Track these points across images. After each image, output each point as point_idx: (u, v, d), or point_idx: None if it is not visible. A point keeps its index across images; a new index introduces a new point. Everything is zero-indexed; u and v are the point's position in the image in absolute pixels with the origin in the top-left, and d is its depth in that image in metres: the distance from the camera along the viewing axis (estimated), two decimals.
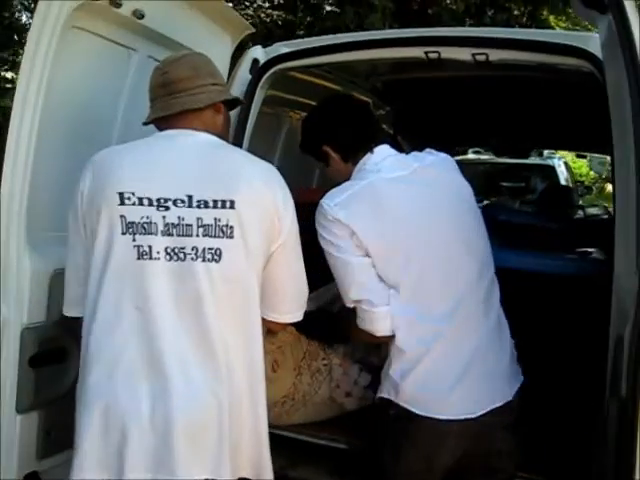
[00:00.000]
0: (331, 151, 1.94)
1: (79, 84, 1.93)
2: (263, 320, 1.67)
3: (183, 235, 1.56)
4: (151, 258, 1.55)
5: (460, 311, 1.80)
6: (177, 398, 1.50)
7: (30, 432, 1.87)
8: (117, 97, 2.08)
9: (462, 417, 1.75)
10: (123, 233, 1.56)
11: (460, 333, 1.79)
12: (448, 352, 1.77)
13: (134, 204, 1.56)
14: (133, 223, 1.56)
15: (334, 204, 1.78)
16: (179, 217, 1.56)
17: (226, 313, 1.58)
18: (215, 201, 1.57)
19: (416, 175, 1.86)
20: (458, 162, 2.05)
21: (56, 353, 1.90)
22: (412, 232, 1.80)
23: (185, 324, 1.54)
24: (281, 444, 2.51)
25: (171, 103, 1.68)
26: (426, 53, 2.38)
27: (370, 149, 1.90)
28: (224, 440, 1.55)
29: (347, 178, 1.92)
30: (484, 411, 1.77)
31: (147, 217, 1.56)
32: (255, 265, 1.61)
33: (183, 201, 1.57)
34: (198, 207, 1.57)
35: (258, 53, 2.65)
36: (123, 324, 1.54)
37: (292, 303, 1.76)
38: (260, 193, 1.61)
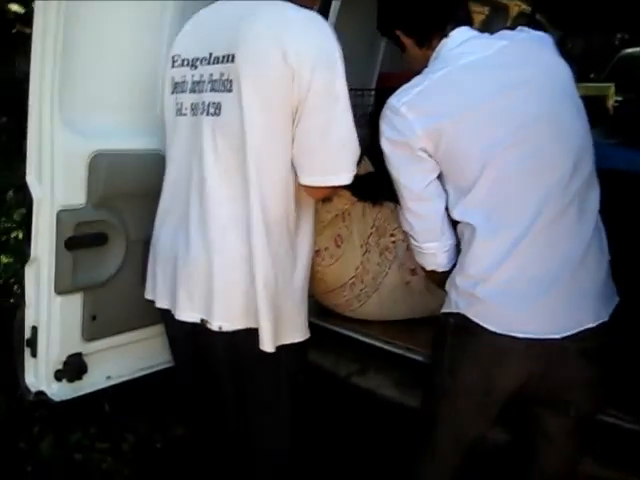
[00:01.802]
0: (403, 35, 1.73)
1: None
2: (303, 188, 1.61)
3: (200, 91, 1.63)
4: (181, 114, 1.68)
5: (546, 215, 1.53)
6: (182, 247, 1.65)
7: (73, 314, 1.86)
8: None
9: (533, 336, 1.52)
10: (171, 93, 1.72)
11: (545, 241, 1.53)
12: (528, 263, 1.53)
13: (178, 65, 1.69)
14: (177, 83, 1.69)
15: (402, 103, 1.58)
16: (201, 74, 1.63)
17: (227, 167, 1.58)
18: (223, 56, 1.57)
19: (500, 56, 1.60)
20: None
21: (97, 237, 1.85)
22: (491, 124, 1.54)
23: (194, 179, 1.63)
24: (354, 348, 2.40)
25: None
26: None
27: (445, 33, 1.65)
28: (214, 285, 1.60)
29: (425, 65, 1.69)
30: (562, 334, 1.52)
31: (183, 76, 1.68)
32: (257, 121, 1.53)
33: (205, 59, 1.62)
34: (213, 63, 1.60)
35: None
36: (179, 181, 1.69)
37: (322, 165, 1.59)
38: (263, 46, 1.51)
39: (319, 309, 2.52)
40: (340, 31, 2.37)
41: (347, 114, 1.57)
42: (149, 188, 1.81)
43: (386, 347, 2.33)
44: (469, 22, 1.72)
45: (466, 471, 1.78)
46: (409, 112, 1.56)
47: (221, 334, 1.61)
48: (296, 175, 1.61)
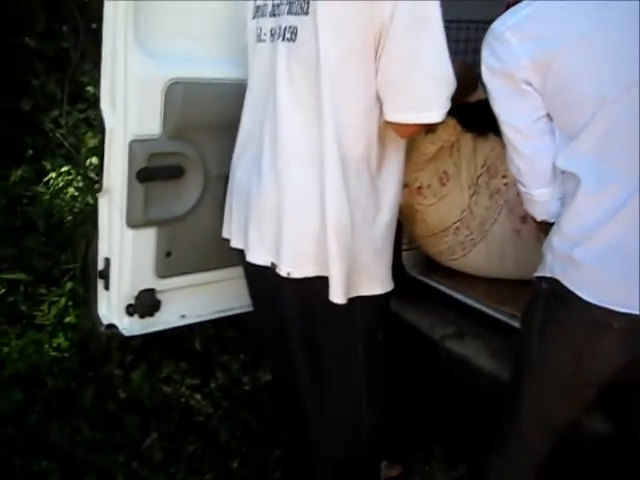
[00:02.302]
0: None
1: None
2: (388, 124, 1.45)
3: (279, 14, 1.47)
4: (261, 40, 1.54)
5: None
6: (254, 184, 1.54)
7: (146, 249, 1.79)
8: None
9: (635, 312, 1.28)
10: (253, 18, 1.57)
11: None
12: (636, 225, 1.28)
13: None
14: (258, 7, 1.55)
15: (506, 27, 1.37)
16: None
17: (301, 97, 1.44)
18: None
19: None
20: None
21: (172, 170, 1.75)
22: (613, 58, 1.30)
23: (269, 110, 1.50)
24: (453, 307, 2.20)
25: None
26: None
27: None
28: (284, 227, 1.47)
29: None
30: None
31: (264, 0, 1.52)
32: (334, 46, 1.36)
33: None
34: None
35: None
36: (256, 113, 1.57)
37: (409, 100, 1.41)
38: None
39: (417, 258, 2.33)
40: None
41: (439, 40, 1.36)
42: (231, 120, 1.68)
43: (488, 311, 2.11)
44: None
45: (557, 464, 1.56)
46: (513, 36, 1.35)
47: (291, 280, 1.49)
48: (380, 112, 1.43)
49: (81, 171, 3.28)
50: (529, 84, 1.36)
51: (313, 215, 1.46)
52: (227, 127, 1.70)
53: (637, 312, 1.28)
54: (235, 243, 1.64)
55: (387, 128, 1.46)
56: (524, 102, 1.39)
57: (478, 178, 2.10)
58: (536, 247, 2.05)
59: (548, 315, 1.43)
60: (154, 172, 1.71)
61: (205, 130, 1.77)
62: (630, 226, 1.29)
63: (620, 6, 1.31)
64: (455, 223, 2.11)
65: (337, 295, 1.46)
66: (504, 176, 2.10)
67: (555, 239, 1.41)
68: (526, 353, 1.49)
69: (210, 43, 1.74)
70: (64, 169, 3.34)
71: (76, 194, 3.27)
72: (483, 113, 1.71)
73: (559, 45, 1.32)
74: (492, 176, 2.11)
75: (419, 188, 2.02)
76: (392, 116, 1.42)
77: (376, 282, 1.55)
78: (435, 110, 1.40)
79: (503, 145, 2.07)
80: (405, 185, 1.87)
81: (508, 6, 2.40)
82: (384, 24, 1.33)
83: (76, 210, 3.18)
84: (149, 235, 1.78)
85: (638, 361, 1.33)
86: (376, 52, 1.37)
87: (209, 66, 1.73)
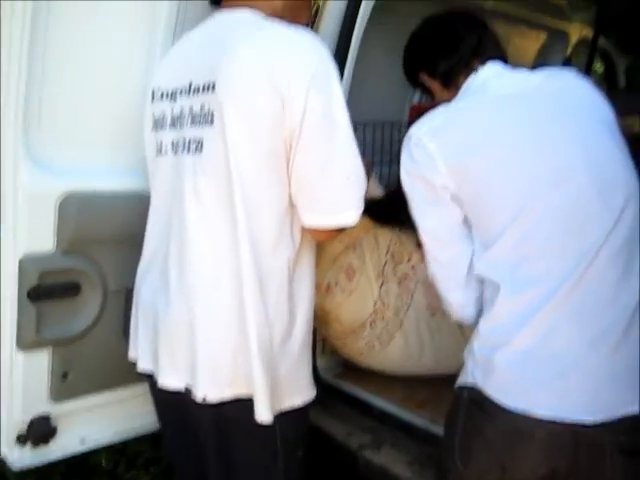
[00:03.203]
0: (428, 77, 1.60)
1: None
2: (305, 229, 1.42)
3: (181, 126, 1.42)
4: (162, 154, 1.48)
5: (582, 273, 1.29)
6: (162, 305, 1.45)
7: (39, 372, 1.67)
8: None
9: (556, 416, 1.26)
10: (151, 130, 1.52)
11: (579, 304, 1.29)
12: (556, 329, 1.29)
13: (158, 100, 1.51)
14: (157, 119, 1.50)
15: (423, 132, 1.40)
16: (181, 107, 1.43)
17: (210, 213, 1.37)
18: (204, 85, 1.36)
19: (537, 90, 1.43)
20: None
21: (67, 288, 1.65)
22: (527, 164, 1.34)
23: (175, 227, 1.43)
24: (370, 414, 2.14)
25: None
26: None
27: (473, 68, 1.50)
28: (198, 350, 1.38)
29: None
30: (595, 419, 1.26)
31: (163, 111, 1.49)
32: (245, 158, 1.32)
33: (185, 89, 1.42)
34: (193, 94, 1.39)
35: None
36: (161, 229, 1.50)
37: (325, 203, 1.38)
38: (246, 70, 1.30)
39: (331, 361, 2.28)
40: (367, 58, 2.18)
41: (349, 141, 1.36)
42: (131, 233, 1.61)
43: (407, 417, 2.06)
44: (501, 55, 1.54)
45: None
46: (431, 142, 1.37)
47: (207, 404, 1.39)
48: (296, 217, 1.40)
49: None
50: (447, 190, 1.36)
51: (230, 334, 1.38)
52: (127, 240, 1.64)
53: (557, 416, 1.25)
54: (143, 366, 1.54)
55: (301, 233, 1.43)
56: (442, 208, 1.39)
57: (384, 267, 2.09)
58: (455, 330, 2.06)
59: (470, 425, 1.39)
60: (47, 290, 1.60)
61: (103, 244, 1.69)
62: (546, 330, 1.29)
63: (531, 115, 1.37)
64: (369, 317, 2.08)
65: (263, 414, 1.38)
66: (409, 259, 2.10)
67: (476, 345, 1.39)
68: (448, 465, 1.43)
69: (108, 153, 1.69)
70: None
71: None
72: (380, 205, 1.72)
73: (475, 152, 1.34)
74: (398, 262, 2.11)
75: (327, 287, 1.98)
76: (310, 221, 1.39)
77: (297, 393, 1.49)
78: (351, 211, 1.38)
79: (404, 229, 2.11)
80: None
81: (414, 109, 2.50)
82: (294, 129, 1.31)
83: None
84: (43, 356, 1.66)
85: (558, 473, 1.30)
86: (287, 159, 1.35)
87: (107, 177, 1.68)
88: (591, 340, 1.28)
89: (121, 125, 1.70)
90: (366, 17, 2.12)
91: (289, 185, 1.36)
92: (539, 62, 3.41)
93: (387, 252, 2.08)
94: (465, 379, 1.40)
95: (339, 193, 1.36)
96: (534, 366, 1.29)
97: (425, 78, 1.60)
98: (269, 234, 1.38)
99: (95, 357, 1.73)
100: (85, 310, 1.70)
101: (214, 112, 1.33)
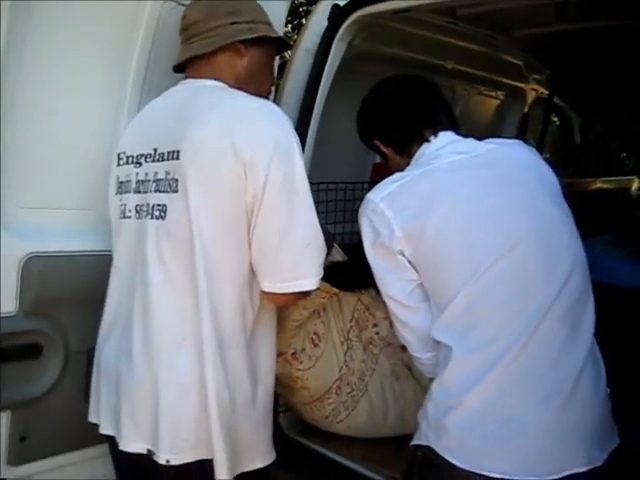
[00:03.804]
0: (381, 144, 1.65)
1: (65, 33, 1.60)
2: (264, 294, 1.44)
3: (146, 192, 1.45)
4: (125, 217, 1.50)
5: (530, 336, 1.33)
6: (125, 368, 1.44)
7: None
8: (127, 47, 1.73)
9: (506, 477, 1.28)
10: (116, 193, 1.55)
11: (527, 366, 1.33)
12: (505, 390, 1.33)
13: (123, 164, 1.53)
14: (122, 183, 1.53)
15: (380, 198, 1.45)
16: (146, 173, 1.46)
17: (173, 278, 1.39)
18: (169, 152, 1.40)
19: (487, 158, 1.49)
20: None
21: (28, 350, 1.63)
22: (477, 230, 1.39)
23: (138, 290, 1.44)
24: (334, 471, 2.13)
25: (183, 50, 1.56)
26: None
27: (426, 139, 1.56)
28: (161, 413, 1.38)
29: None
30: (553, 477, 1.29)
31: (128, 175, 1.51)
32: (207, 225, 1.35)
33: (150, 155, 1.46)
34: (158, 160, 1.43)
35: None
36: (123, 291, 1.50)
37: (285, 269, 1.40)
38: (210, 140, 1.35)
39: (294, 418, 2.27)
40: (330, 120, 2.24)
41: (310, 210, 1.40)
42: (94, 293, 1.60)
43: (369, 474, 2.05)
44: (454, 124, 1.60)
45: None
46: (388, 208, 1.42)
47: (169, 467, 1.38)
48: (255, 282, 1.42)
49: None
50: (403, 255, 1.41)
51: (192, 398, 1.39)
52: (90, 300, 1.62)
53: (509, 477, 1.28)
54: (104, 429, 1.52)
55: (262, 298, 1.45)
56: (402, 274, 1.44)
57: (349, 333, 2.11)
58: (418, 393, 2.08)
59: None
60: (7, 353, 1.57)
61: (66, 304, 1.68)
62: (496, 392, 1.32)
63: (481, 183, 1.42)
64: (335, 382, 2.10)
65: (222, 474, 1.38)
66: (375, 325, 2.13)
67: (429, 407, 1.41)
68: None
69: (72, 214, 1.70)
70: None
71: None
72: (343, 270, 1.75)
73: (429, 217, 1.38)
74: (362, 328, 2.14)
75: (294, 354, 2.00)
76: (268, 286, 1.41)
77: (257, 457, 1.49)
78: (310, 278, 1.41)
79: (369, 295, 2.14)
80: (280, 354, 1.86)
81: (376, 167, 2.55)
82: (256, 195, 1.34)
83: None
84: (0, 420, 1.62)
85: None
86: (249, 225, 1.38)
87: (70, 238, 1.68)
88: (539, 401, 1.32)
89: (84, 187, 1.72)
90: (331, 76, 2.18)
91: (249, 252, 1.39)
92: (498, 118, 3.53)
93: (351, 318, 2.11)
94: (419, 439, 1.43)
95: (298, 260, 1.39)
96: (484, 428, 1.32)
97: (379, 144, 1.65)
98: (230, 299, 1.40)
99: (55, 420, 1.71)
100: (46, 372, 1.67)
101: (178, 179, 1.37)
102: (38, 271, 1.60)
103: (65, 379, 1.71)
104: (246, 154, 1.32)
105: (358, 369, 2.13)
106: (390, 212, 1.42)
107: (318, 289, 1.83)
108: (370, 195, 1.48)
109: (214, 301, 1.37)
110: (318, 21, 2.17)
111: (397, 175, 1.50)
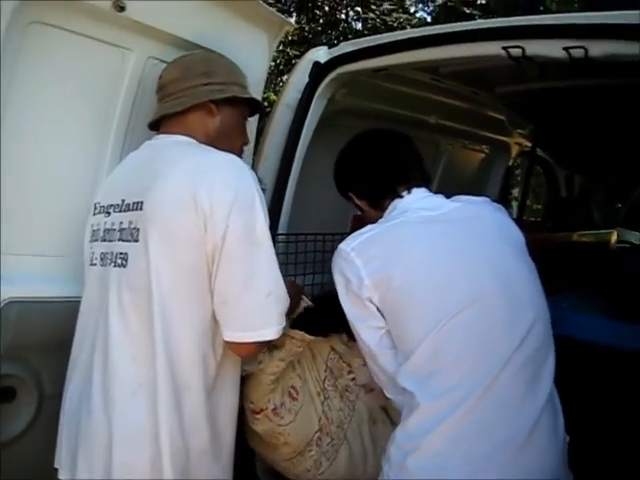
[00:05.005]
0: (356, 198, 1.73)
1: (49, 86, 1.67)
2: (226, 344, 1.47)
3: (111, 240, 1.52)
4: (92, 264, 1.56)
5: (490, 384, 1.39)
6: (85, 413, 1.47)
7: None
8: (110, 101, 1.80)
9: None
10: (89, 241, 1.61)
11: (487, 412, 1.38)
12: (462, 435, 1.38)
13: (97, 213, 1.60)
14: (94, 231, 1.59)
15: (350, 248, 1.53)
16: (112, 222, 1.52)
17: (132, 326, 1.43)
18: (134, 203, 1.47)
19: (455, 214, 1.56)
20: None
21: (2, 393, 1.66)
22: (441, 283, 1.45)
23: (99, 336, 1.47)
24: None
25: (158, 108, 1.64)
26: (505, 49, 1.83)
27: (399, 195, 1.63)
28: (114, 458, 1.40)
29: None
30: None
31: (98, 224, 1.58)
32: (165, 275, 1.39)
33: (118, 205, 1.52)
34: (124, 210, 1.50)
35: (320, 54, 2.27)
36: (85, 337, 1.53)
37: (246, 319, 1.43)
38: (171, 192, 1.41)
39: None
40: (311, 172, 2.30)
41: (271, 261, 1.45)
42: (68, 339, 1.63)
43: None
44: (426, 179, 1.68)
45: None
46: (358, 257, 1.49)
47: None
48: (218, 331, 1.45)
49: None
50: (372, 302, 1.46)
51: (144, 444, 1.41)
52: (63, 345, 1.65)
53: None
54: (63, 475, 1.54)
55: (224, 348, 1.48)
56: (370, 321, 1.50)
57: (324, 382, 2.11)
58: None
59: None
60: None
61: (41, 349, 1.71)
62: (455, 436, 1.37)
63: (447, 238, 1.49)
64: (316, 433, 2.08)
65: None
66: (350, 372, 2.15)
67: (392, 450, 1.46)
68: None
69: (50, 261, 1.74)
70: None
71: None
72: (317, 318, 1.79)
73: (396, 268, 1.45)
74: (337, 377, 2.14)
75: (274, 410, 1.99)
76: (229, 336, 1.44)
77: None
78: (271, 327, 1.44)
79: (341, 341, 2.17)
80: (260, 410, 1.90)
81: (355, 218, 2.60)
82: (216, 245, 1.38)
83: None
84: None
85: None
86: (210, 275, 1.41)
87: (48, 285, 1.71)
88: (496, 445, 1.36)
89: (61, 235, 1.76)
90: (311, 130, 2.26)
91: (211, 301, 1.43)
92: (483, 171, 3.61)
93: (326, 368, 2.11)
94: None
95: (259, 310, 1.43)
96: (444, 469, 1.36)
97: (353, 197, 1.72)
98: (187, 350, 1.43)
99: (26, 463, 1.72)
100: (19, 415, 1.70)
101: (139, 229, 1.43)
102: (15, 316, 1.63)
103: (37, 422, 1.73)
104: (206, 205, 1.37)
105: (336, 418, 2.13)
106: (359, 261, 1.48)
107: (293, 338, 1.89)
108: (342, 245, 1.55)
109: (170, 349, 1.41)
110: (299, 77, 2.25)
111: (368, 227, 1.57)
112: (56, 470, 1.57)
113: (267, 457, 2.13)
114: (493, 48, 1.86)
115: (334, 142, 2.40)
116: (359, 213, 2.55)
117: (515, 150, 3.56)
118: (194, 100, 1.58)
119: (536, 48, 1.81)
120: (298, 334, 1.96)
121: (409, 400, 1.44)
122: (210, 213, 1.37)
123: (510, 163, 3.59)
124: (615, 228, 3.18)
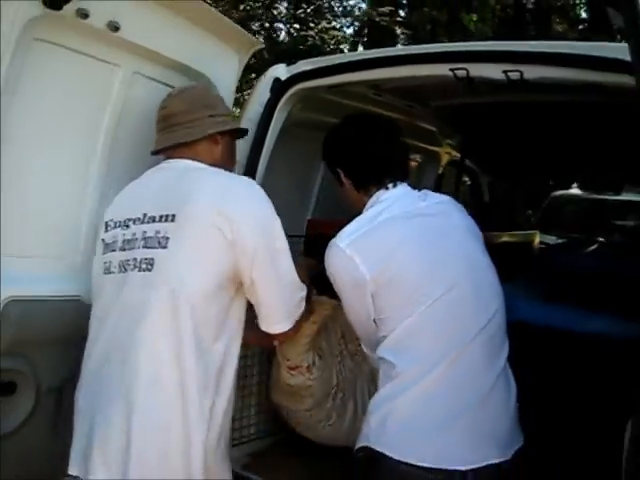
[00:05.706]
0: (343, 175, 1.85)
1: (47, 100, 1.80)
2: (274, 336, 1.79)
3: (132, 248, 1.66)
4: (110, 272, 1.69)
5: (458, 355, 1.62)
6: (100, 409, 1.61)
7: None
8: (98, 113, 1.94)
9: (431, 465, 1.54)
10: (102, 254, 1.75)
11: (454, 377, 1.61)
12: (436, 396, 1.60)
13: (111, 229, 1.74)
14: (108, 244, 1.73)
15: (346, 244, 1.68)
16: (133, 233, 1.68)
17: (158, 325, 1.58)
18: (161, 216, 1.64)
19: (428, 210, 1.77)
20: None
21: (3, 388, 1.76)
22: (420, 272, 1.66)
23: (122, 334, 1.61)
24: None
25: (167, 137, 1.81)
26: (452, 70, 2.09)
27: (385, 185, 1.78)
28: (131, 462, 1.53)
29: (358, 208, 1.82)
30: (469, 467, 1.56)
31: (114, 237, 1.72)
32: (192, 277, 1.60)
33: (139, 219, 1.68)
34: (148, 222, 1.66)
35: (280, 72, 2.46)
36: (103, 341, 1.66)
37: (276, 314, 1.74)
38: (202, 207, 1.63)
39: (240, 452, 2.46)
40: (271, 179, 2.48)
41: (288, 257, 1.74)
42: (66, 335, 1.79)
43: None
44: (407, 176, 1.85)
45: None
46: (355, 254, 1.65)
47: None
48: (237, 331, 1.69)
49: None
50: (368, 292, 1.65)
51: (175, 438, 1.58)
52: (60, 341, 1.80)
53: (440, 466, 1.54)
54: (72, 470, 1.64)
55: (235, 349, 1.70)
56: (366, 312, 1.68)
57: (340, 345, 2.44)
58: None
59: (364, 477, 1.66)
60: None
61: (41, 345, 1.81)
62: (427, 398, 1.59)
63: (429, 230, 1.71)
64: (333, 388, 2.39)
65: None
66: (357, 337, 2.39)
67: (371, 415, 1.66)
68: None
69: (50, 261, 1.87)
70: None
71: None
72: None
73: (388, 259, 1.64)
74: (349, 341, 2.44)
75: (307, 367, 2.29)
76: (280, 327, 1.75)
77: None
78: (285, 323, 1.76)
79: None
80: (295, 367, 2.22)
81: (311, 223, 2.79)
82: (246, 267, 1.64)
83: None
84: None
85: None
86: (234, 277, 1.65)
87: (47, 284, 1.83)
88: (463, 405, 1.59)
89: (58, 237, 1.90)
90: (272, 141, 2.44)
91: (230, 301, 1.67)
92: (416, 178, 3.87)
93: (341, 334, 2.43)
94: (360, 442, 1.66)
95: (282, 307, 1.74)
96: (418, 427, 1.59)
97: (341, 173, 1.85)
98: (212, 348, 1.63)
99: (24, 456, 1.82)
100: (19, 408, 1.80)
101: (169, 237, 1.61)
102: (17, 315, 1.74)
103: (35, 416, 1.83)
104: (234, 223, 1.60)
105: (348, 377, 2.44)
106: (358, 258, 1.64)
107: (320, 302, 2.14)
108: (336, 240, 1.70)
109: (199, 348, 1.60)
110: (261, 93, 2.43)
111: (357, 224, 1.72)
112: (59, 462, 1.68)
113: (290, 408, 2.40)
114: (442, 69, 2.11)
115: (291, 152, 2.63)
116: (314, 218, 2.76)
117: (445, 159, 3.85)
118: (204, 131, 1.80)
119: (479, 70, 2.07)
120: (324, 299, 2.18)
121: (387, 369, 1.65)
122: (237, 226, 1.60)
123: (440, 171, 3.87)
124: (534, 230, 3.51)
